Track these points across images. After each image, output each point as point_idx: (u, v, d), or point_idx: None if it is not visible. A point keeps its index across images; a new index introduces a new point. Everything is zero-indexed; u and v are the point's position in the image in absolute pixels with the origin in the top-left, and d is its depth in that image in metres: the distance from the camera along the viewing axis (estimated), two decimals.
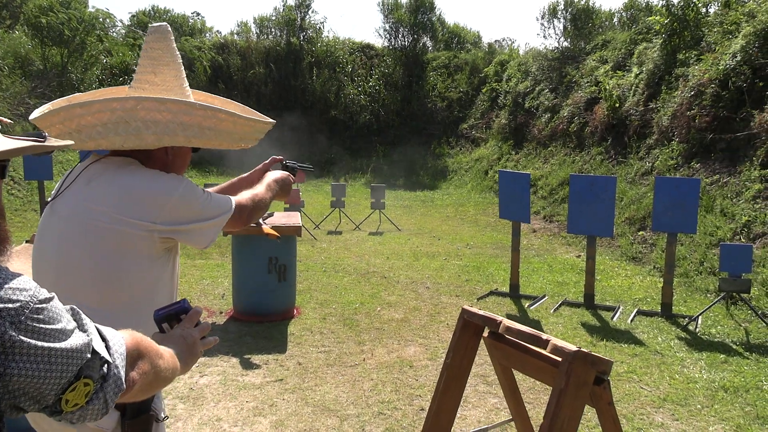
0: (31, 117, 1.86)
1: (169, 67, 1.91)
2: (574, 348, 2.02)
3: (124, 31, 21.67)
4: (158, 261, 1.82)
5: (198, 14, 28.84)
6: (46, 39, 16.62)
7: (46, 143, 1.07)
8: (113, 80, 18.22)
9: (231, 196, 1.97)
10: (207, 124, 1.84)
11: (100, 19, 18.32)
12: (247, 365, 5.10)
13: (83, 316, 1.04)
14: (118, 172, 1.79)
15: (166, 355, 1.30)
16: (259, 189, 2.14)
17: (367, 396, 4.59)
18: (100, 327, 1.09)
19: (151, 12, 24.57)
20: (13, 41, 16.56)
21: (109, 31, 19.45)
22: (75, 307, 1.04)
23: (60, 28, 16.30)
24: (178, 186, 1.80)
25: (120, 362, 1.06)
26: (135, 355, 1.15)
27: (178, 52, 1.94)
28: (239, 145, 1.98)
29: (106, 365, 1.03)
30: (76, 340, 0.98)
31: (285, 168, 2.61)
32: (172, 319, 1.51)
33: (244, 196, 2.04)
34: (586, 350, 2.04)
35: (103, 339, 1.06)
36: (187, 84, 1.99)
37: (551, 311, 6.79)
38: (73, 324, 1.00)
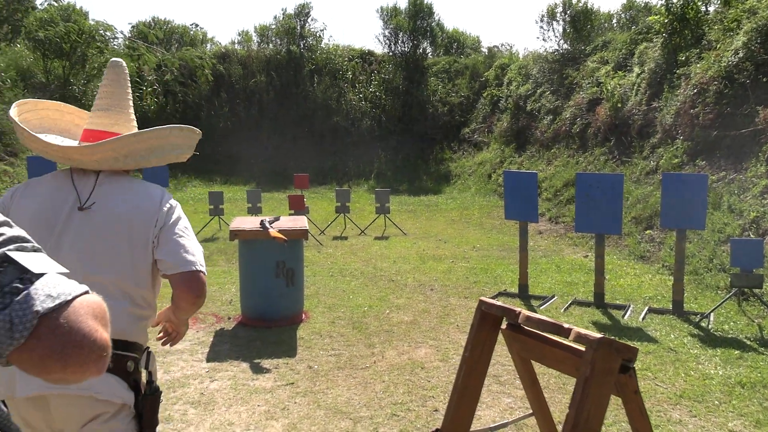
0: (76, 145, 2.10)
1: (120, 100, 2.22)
2: (598, 335, 1.98)
3: (125, 43, 21.70)
4: None
5: (197, 25, 28.85)
6: (47, 52, 16.65)
7: None
8: None
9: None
10: (180, 142, 2.17)
11: (101, 32, 18.34)
12: (258, 370, 5.06)
13: (31, 255, 0.96)
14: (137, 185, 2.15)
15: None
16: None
17: (379, 398, 4.54)
18: (56, 266, 0.99)
19: (152, 23, 24.60)
20: (15, 54, 16.60)
21: (110, 43, 19.45)
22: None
23: (58, 41, 16.32)
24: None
25: (44, 297, 0.91)
26: (103, 321, 0.99)
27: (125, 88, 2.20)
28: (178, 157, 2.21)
29: (26, 285, 0.91)
30: None
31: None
32: None
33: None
34: (610, 337, 2.00)
35: (41, 274, 0.94)
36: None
37: (561, 311, 6.74)
38: None
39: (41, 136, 2.01)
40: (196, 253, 2.03)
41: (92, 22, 18.10)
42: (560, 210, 12.67)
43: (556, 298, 7.27)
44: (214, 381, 4.82)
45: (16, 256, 0.94)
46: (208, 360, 5.26)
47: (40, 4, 20.24)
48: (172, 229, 2.03)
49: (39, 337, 0.89)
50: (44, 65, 16.92)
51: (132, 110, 2.20)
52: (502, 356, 5.03)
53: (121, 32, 22.84)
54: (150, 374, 2.03)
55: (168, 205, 2.06)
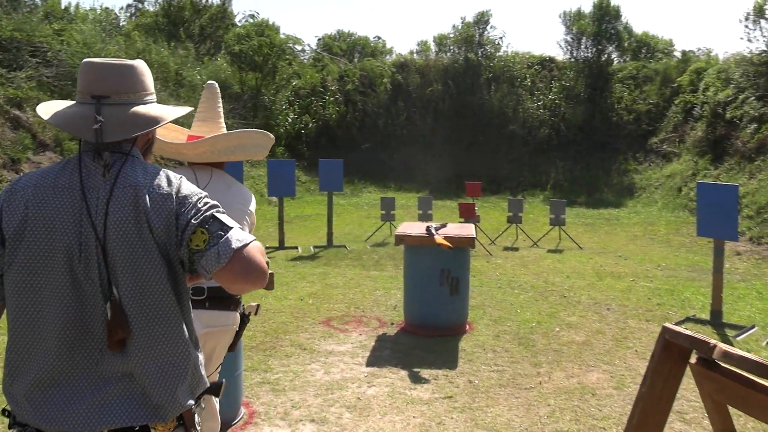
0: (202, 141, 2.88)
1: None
2: None
3: (312, 54, 22.88)
4: None
5: (379, 38, 29.81)
6: (242, 65, 18.00)
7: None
8: (301, 101, 19.23)
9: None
10: (259, 142, 2.99)
11: (290, 44, 19.47)
12: (416, 379, 4.91)
13: (224, 215, 1.66)
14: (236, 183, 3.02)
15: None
16: None
17: (543, 423, 4.18)
18: (236, 223, 1.66)
19: (337, 35, 25.77)
20: (216, 68, 18.14)
21: (298, 55, 20.61)
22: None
23: (251, 54, 17.56)
24: None
25: (236, 240, 1.59)
26: (264, 256, 1.68)
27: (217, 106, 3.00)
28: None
29: (225, 233, 1.59)
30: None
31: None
32: None
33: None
34: None
35: (231, 227, 1.62)
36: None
37: (763, 344, 5.87)
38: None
39: (159, 137, 2.67)
40: None
41: (283, 36, 19.28)
42: (764, 229, 11.24)
43: (756, 328, 6.35)
44: (372, 386, 4.74)
45: (218, 215, 1.63)
46: (368, 364, 5.21)
47: (239, 21, 22.01)
48: (251, 230, 2.91)
49: (233, 263, 1.57)
50: (240, 77, 18.30)
51: (222, 119, 3.00)
52: (688, 390, 4.44)
53: (308, 45, 24.14)
54: (242, 308, 3.00)
55: (255, 208, 2.95)
